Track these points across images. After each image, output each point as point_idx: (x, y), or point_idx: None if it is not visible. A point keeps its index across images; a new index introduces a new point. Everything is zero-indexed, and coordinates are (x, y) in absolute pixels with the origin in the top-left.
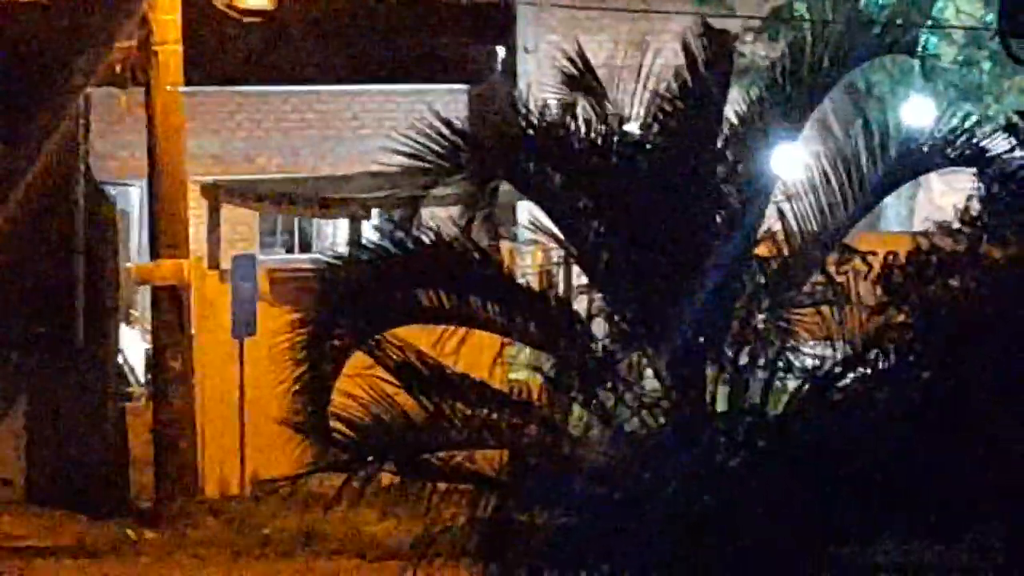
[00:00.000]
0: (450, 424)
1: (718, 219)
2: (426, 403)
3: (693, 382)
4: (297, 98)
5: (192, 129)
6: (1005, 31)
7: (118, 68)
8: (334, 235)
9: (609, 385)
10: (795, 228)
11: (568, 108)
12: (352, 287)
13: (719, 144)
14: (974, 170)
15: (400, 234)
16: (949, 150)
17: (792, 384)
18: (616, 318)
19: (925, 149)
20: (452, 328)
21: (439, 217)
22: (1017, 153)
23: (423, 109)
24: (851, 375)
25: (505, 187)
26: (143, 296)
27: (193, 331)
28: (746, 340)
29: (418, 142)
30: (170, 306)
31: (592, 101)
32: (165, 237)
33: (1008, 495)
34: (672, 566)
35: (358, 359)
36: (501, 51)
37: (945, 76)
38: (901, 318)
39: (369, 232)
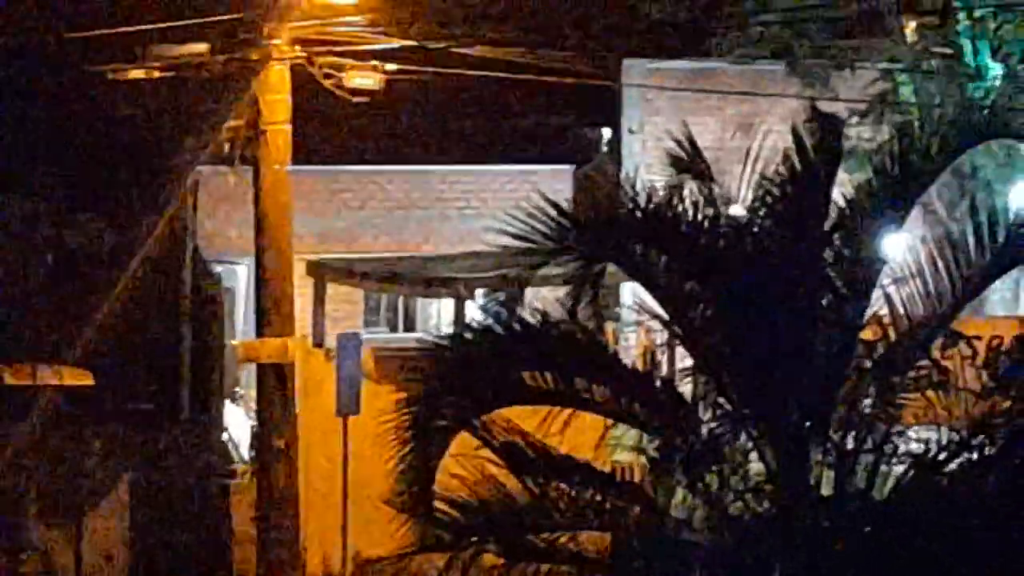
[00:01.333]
0: (554, 505)
1: (824, 303)
2: (530, 484)
3: (798, 466)
4: (402, 177)
5: (298, 208)
6: None
7: (227, 147)
8: (438, 315)
9: (714, 468)
10: (901, 312)
11: (675, 190)
12: (458, 367)
13: (826, 228)
14: None
15: (506, 314)
16: None
17: (898, 469)
18: (721, 400)
19: None
20: (557, 409)
21: (545, 298)
22: None
23: (529, 189)
24: (957, 461)
25: (610, 268)
26: (249, 373)
27: (297, 409)
28: (852, 424)
29: (524, 222)
30: (275, 384)
31: (699, 183)
32: (271, 315)
33: None
34: None
35: (463, 440)
36: (607, 132)
37: None
38: (1007, 404)
39: (473, 312)
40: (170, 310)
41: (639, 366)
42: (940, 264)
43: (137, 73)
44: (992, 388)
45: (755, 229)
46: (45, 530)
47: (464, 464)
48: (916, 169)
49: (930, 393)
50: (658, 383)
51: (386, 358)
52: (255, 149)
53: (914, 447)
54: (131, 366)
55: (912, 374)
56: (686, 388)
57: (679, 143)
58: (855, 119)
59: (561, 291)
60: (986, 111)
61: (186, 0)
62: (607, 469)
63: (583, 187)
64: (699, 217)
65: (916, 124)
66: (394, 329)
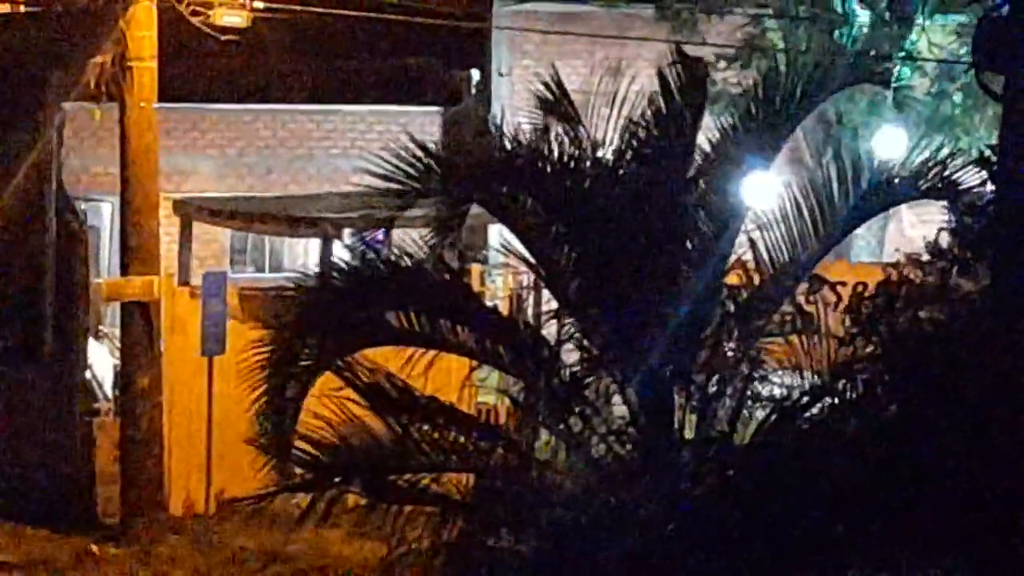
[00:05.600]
0: (417, 446)
1: (689, 247)
2: (394, 425)
3: (661, 409)
4: (270, 116)
5: (165, 146)
6: (979, 64)
7: (92, 84)
8: (305, 255)
9: (577, 410)
10: (765, 257)
11: (542, 133)
12: (321, 307)
13: (691, 172)
14: (945, 202)
15: (371, 255)
16: (920, 182)
17: (760, 413)
18: (585, 343)
19: (896, 181)
20: (421, 350)
21: (410, 239)
22: (988, 186)
23: (397, 130)
24: (819, 405)
25: (477, 210)
26: (113, 311)
27: (162, 348)
28: (715, 368)
29: (391, 163)
30: (140, 322)
31: (566, 126)
32: (136, 253)
33: (974, 528)
34: None
35: (328, 379)
36: (476, 74)
37: (917, 108)
38: (870, 349)
39: (340, 252)
40: (33, 247)
41: (505, 308)
42: (804, 210)
43: (3, 8)
44: (855, 334)
45: (621, 172)
46: None
47: (328, 404)
48: (780, 113)
49: (793, 338)
50: (522, 325)
51: (251, 297)
52: (121, 86)
53: (777, 392)
54: None
55: (776, 319)
56: (551, 331)
57: (547, 85)
58: (723, 64)
59: (428, 232)
60: (851, 57)
61: None
62: (471, 411)
63: (452, 129)
64: (565, 159)
65: (782, 69)
66: (261, 269)
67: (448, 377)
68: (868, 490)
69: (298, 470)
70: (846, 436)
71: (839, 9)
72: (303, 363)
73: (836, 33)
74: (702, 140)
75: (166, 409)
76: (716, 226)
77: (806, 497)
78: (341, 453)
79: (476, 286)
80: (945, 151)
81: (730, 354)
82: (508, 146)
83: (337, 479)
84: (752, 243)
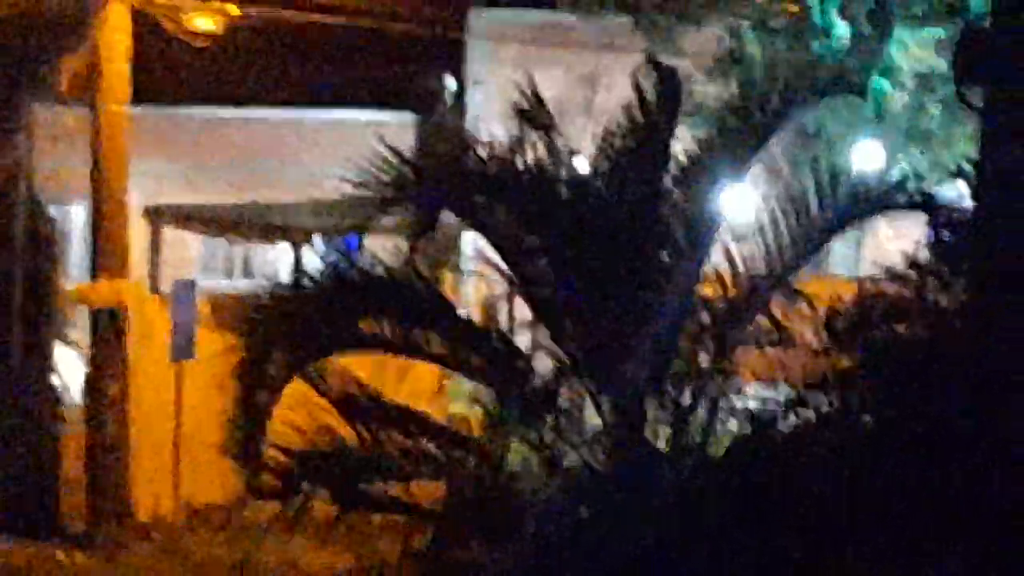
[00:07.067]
0: (387, 454)
1: (664, 257)
2: (363, 433)
3: (634, 420)
4: (243, 122)
5: (136, 151)
6: (958, 77)
7: (64, 86)
8: (277, 262)
9: (550, 420)
10: (741, 269)
11: (517, 141)
12: (292, 314)
13: (667, 182)
14: (922, 216)
15: (342, 262)
16: (898, 195)
17: (734, 425)
18: (558, 353)
19: (874, 193)
20: (393, 358)
21: (382, 246)
22: (966, 200)
23: (371, 138)
24: (793, 417)
25: (451, 218)
26: (82, 317)
27: (131, 355)
28: (689, 379)
29: (365, 170)
30: (108, 328)
31: (542, 136)
32: (105, 258)
33: (949, 543)
34: None
35: (299, 387)
36: (452, 83)
37: (895, 121)
38: (845, 362)
39: (312, 260)
40: (2, 251)
41: (478, 317)
42: (781, 221)
43: None
44: (830, 347)
45: (596, 181)
46: None
47: (298, 412)
48: (756, 123)
49: (768, 350)
50: (495, 334)
51: (222, 304)
52: (93, 89)
53: (751, 404)
54: None
55: (751, 331)
56: (524, 340)
57: (523, 94)
58: (702, 76)
59: (401, 240)
60: (829, 68)
61: None
62: (443, 420)
63: (426, 137)
64: (540, 168)
65: (759, 79)
66: (231, 276)
67: (419, 386)
68: (843, 503)
69: (267, 478)
70: (821, 449)
71: (818, 21)
72: (273, 370)
73: (815, 46)
74: (678, 151)
75: (134, 416)
76: (691, 237)
77: (780, 510)
78: (310, 460)
79: (449, 294)
80: (923, 164)
81: (704, 365)
82: (482, 154)
83: (306, 487)
84: (728, 254)
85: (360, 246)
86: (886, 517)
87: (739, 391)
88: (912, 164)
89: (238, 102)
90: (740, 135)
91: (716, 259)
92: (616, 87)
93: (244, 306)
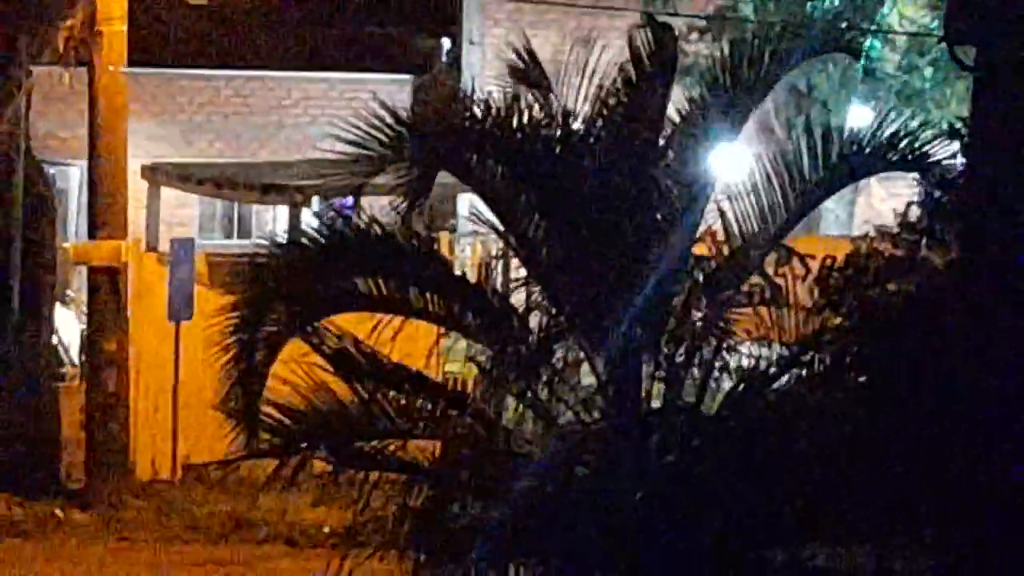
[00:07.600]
0: (383, 413)
1: (658, 216)
2: (361, 391)
3: (629, 378)
4: (240, 82)
5: (134, 111)
6: (951, 36)
7: (62, 47)
8: (274, 222)
9: (544, 379)
10: (735, 228)
11: (513, 101)
12: (289, 273)
13: (661, 141)
14: (915, 175)
15: (339, 221)
16: (890, 154)
17: (728, 383)
18: (553, 311)
19: (866, 152)
20: (389, 317)
21: (379, 206)
22: (958, 159)
23: (367, 98)
24: (787, 376)
25: (448, 178)
26: (81, 276)
27: (129, 313)
28: (683, 338)
29: (361, 130)
30: (107, 287)
31: (537, 95)
32: (104, 218)
33: (939, 499)
34: (603, 562)
35: (297, 346)
36: (447, 43)
37: (887, 82)
38: (838, 321)
39: (309, 219)
40: (1, 212)
41: (474, 276)
42: (774, 181)
43: None
44: (823, 305)
45: (591, 141)
46: None
47: (295, 370)
48: (748, 81)
49: (762, 309)
50: (491, 293)
51: (219, 263)
52: (90, 49)
53: (745, 362)
54: None
55: (744, 290)
56: (519, 299)
57: (518, 54)
58: (695, 35)
59: (398, 200)
60: (820, 27)
61: None
62: (439, 378)
63: (422, 97)
64: (535, 127)
65: (750, 38)
66: (229, 235)
67: (416, 344)
68: (835, 461)
69: (264, 436)
70: (813, 407)
71: None
72: (271, 329)
73: (808, 6)
74: (672, 111)
75: (132, 374)
76: (685, 195)
77: (773, 467)
78: (308, 419)
79: (445, 254)
80: (915, 123)
81: (699, 324)
82: (478, 113)
83: (303, 445)
84: (722, 213)
85: (356, 205)
86: (879, 473)
87: (732, 349)
88: (904, 123)
89: (235, 63)
90: (732, 93)
91: (710, 218)
92: (611, 47)
93: (242, 265)
